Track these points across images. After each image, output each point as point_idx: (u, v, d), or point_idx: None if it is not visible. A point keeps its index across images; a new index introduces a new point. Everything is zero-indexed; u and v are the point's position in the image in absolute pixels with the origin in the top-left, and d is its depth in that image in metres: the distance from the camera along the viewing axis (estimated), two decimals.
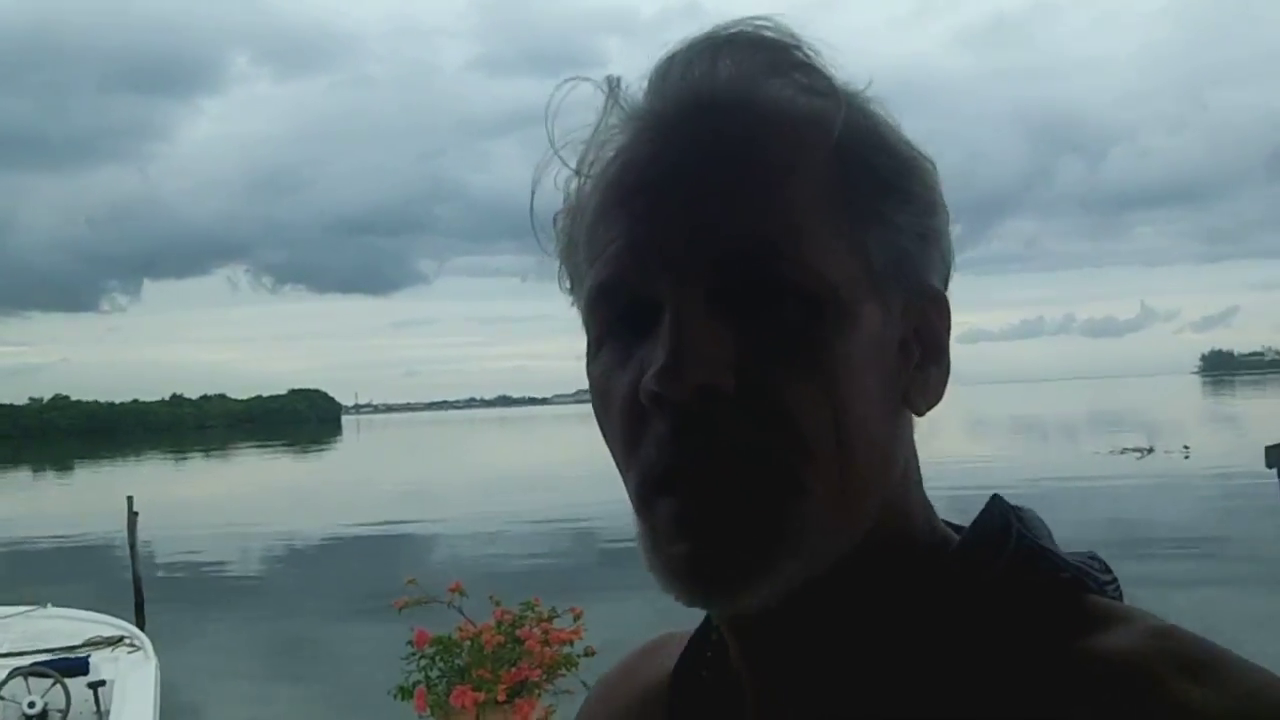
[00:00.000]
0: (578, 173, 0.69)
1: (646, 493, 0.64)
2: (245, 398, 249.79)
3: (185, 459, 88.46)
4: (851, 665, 0.66)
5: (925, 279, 0.68)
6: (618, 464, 0.67)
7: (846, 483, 0.63)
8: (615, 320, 0.66)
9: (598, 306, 0.67)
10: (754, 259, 0.62)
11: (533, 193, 0.71)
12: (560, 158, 0.70)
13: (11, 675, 6.78)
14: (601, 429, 0.68)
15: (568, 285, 0.72)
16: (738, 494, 0.61)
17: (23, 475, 75.36)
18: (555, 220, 0.72)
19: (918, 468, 0.72)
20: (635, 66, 0.69)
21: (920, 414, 0.70)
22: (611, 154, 0.67)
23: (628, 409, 0.64)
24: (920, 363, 0.68)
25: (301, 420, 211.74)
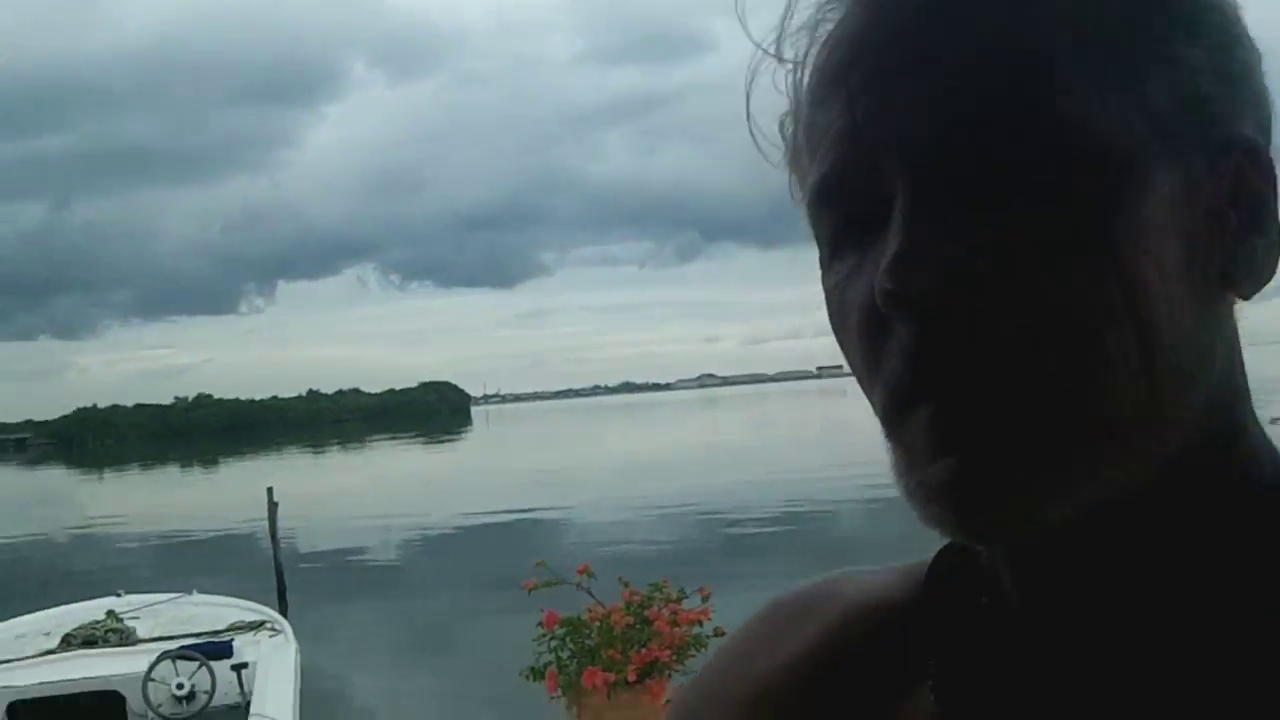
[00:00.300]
0: (779, 58, 0.59)
1: (894, 411, 0.53)
2: (378, 391, 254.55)
3: (323, 452, 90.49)
4: (1171, 620, 0.54)
5: (1234, 128, 0.54)
6: (862, 387, 0.56)
7: (1149, 380, 0.50)
8: (844, 221, 0.55)
9: (822, 207, 0.56)
10: (1002, 117, 0.50)
11: (748, 96, 0.61)
12: (767, 52, 0.60)
13: (161, 659, 7.02)
14: (842, 349, 0.57)
15: (799, 196, 0.60)
16: (1010, 393, 0.49)
17: (171, 471, 77.82)
18: (781, 126, 0.61)
19: (1245, 377, 0.58)
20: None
21: (1246, 297, 0.55)
22: (824, 34, 0.57)
23: (865, 320, 0.53)
24: (1239, 232, 0.54)
25: (432, 412, 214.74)
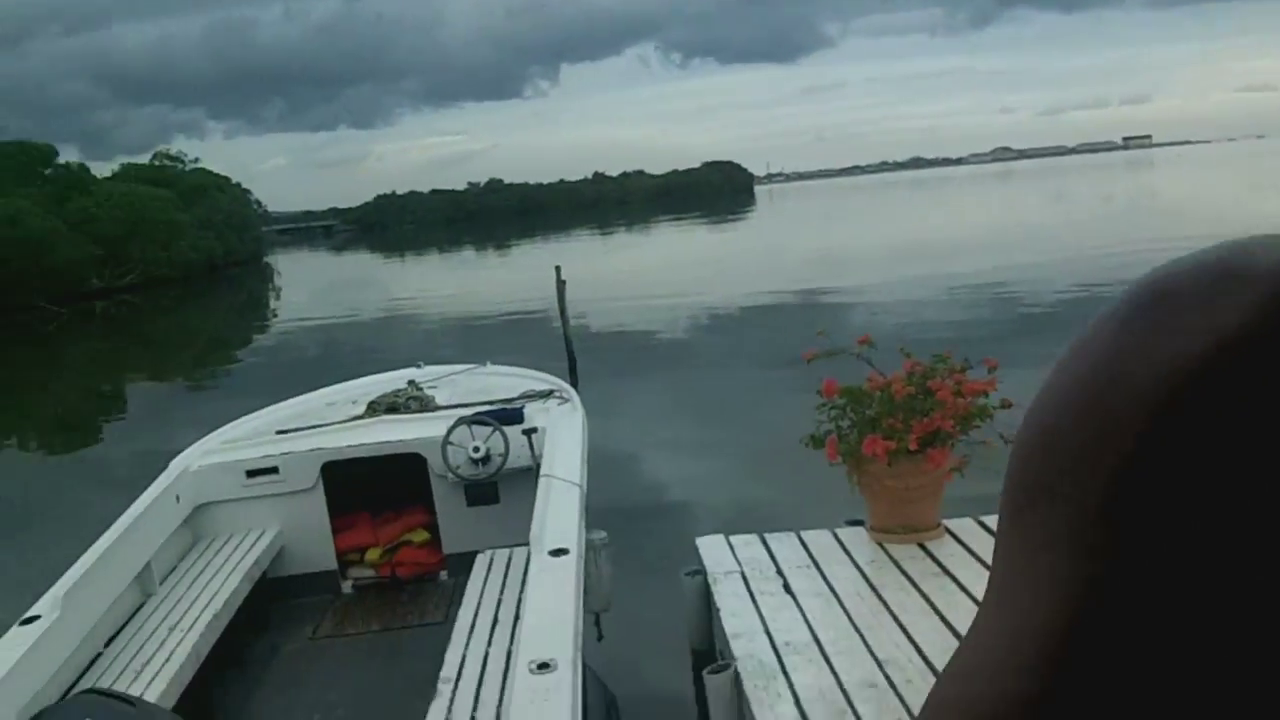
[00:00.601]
0: None
1: None
2: (661, 173, 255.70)
3: (610, 233, 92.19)
4: None
5: None
6: None
7: None
8: None
9: None
10: None
11: None
12: None
13: (458, 424, 7.36)
14: None
15: None
16: None
17: (466, 254, 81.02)
18: None
19: None
20: None
21: None
22: None
23: None
24: None
25: (715, 192, 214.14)
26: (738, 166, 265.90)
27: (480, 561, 6.54)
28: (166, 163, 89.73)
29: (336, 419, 8.15)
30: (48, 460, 18.67)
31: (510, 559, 6.44)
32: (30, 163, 68.09)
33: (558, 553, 4.94)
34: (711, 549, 6.37)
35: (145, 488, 6.87)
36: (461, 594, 6.13)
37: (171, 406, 21.07)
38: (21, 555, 10.14)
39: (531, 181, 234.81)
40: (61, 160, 72.18)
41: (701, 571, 6.16)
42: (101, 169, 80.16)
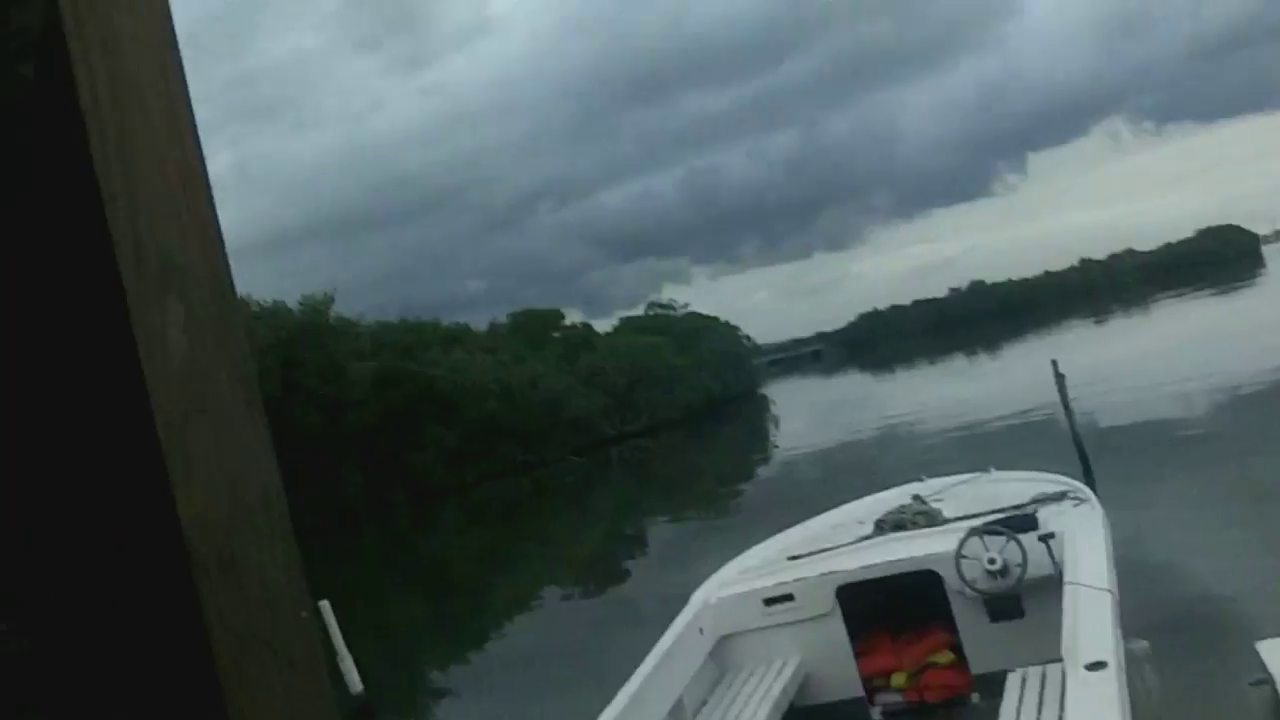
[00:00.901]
0: None
1: None
2: (1153, 248, 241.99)
3: (1104, 320, 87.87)
4: None
5: None
6: None
7: None
8: None
9: None
10: None
11: None
12: None
13: (969, 535, 7.07)
14: None
15: None
16: None
17: (956, 362, 79.74)
18: None
19: None
20: None
21: None
22: None
23: None
24: None
25: (1217, 259, 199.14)
26: (1238, 229, 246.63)
27: (1012, 681, 6.15)
28: (659, 311, 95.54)
29: (846, 540, 8.07)
30: (583, 602, 19.87)
31: (1044, 676, 6.01)
32: (541, 327, 74.71)
33: (1095, 666, 4.53)
34: (1278, 653, 5.66)
35: (669, 623, 7.05)
36: (995, 717, 5.78)
37: (687, 542, 21.89)
38: (562, 692, 10.72)
39: (1015, 278, 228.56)
40: (567, 321, 78.72)
41: (1269, 680, 5.48)
42: (602, 325, 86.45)
